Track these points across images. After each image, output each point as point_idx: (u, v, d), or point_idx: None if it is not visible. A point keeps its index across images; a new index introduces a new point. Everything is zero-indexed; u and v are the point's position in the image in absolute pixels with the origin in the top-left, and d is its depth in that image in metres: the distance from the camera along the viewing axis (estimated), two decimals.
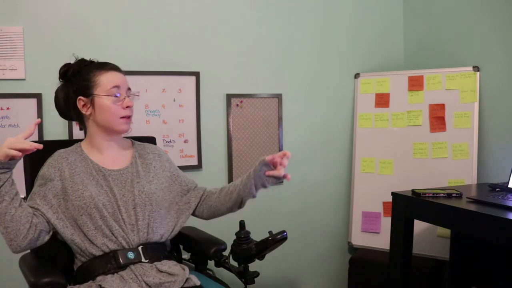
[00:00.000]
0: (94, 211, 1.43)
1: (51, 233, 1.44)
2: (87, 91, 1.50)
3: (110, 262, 1.42)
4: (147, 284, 1.38)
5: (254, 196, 1.55)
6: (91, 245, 1.43)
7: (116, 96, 1.50)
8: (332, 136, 2.72)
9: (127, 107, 1.51)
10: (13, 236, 1.34)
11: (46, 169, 1.49)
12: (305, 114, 2.64)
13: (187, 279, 1.45)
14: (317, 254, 2.73)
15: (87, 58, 1.59)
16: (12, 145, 1.25)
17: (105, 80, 1.50)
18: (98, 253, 1.43)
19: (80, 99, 1.51)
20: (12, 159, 1.28)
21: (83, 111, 1.52)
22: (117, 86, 1.50)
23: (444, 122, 2.45)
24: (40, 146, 1.28)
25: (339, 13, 2.69)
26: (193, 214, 1.67)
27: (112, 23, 2.19)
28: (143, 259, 1.44)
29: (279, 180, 1.53)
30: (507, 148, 2.25)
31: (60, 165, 1.49)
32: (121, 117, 1.50)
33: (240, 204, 1.60)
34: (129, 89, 1.55)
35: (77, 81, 1.53)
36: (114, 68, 1.55)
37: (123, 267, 1.42)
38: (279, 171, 1.50)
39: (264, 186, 1.53)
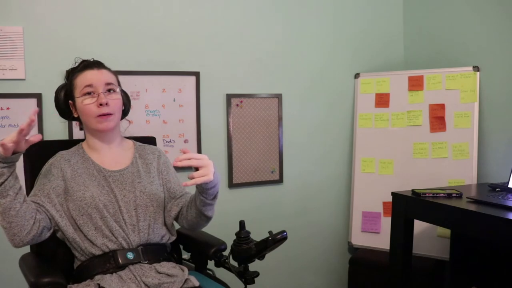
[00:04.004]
0: (95, 212, 1.43)
1: (52, 230, 1.44)
2: (71, 94, 1.52)
3: (109, 261, 1.42)
4: (146, 285, 1.38)
5: (205, 203, 1.44)
6: (91, 245, 1.43)
7: (89, 95, 1.47)
8: (332, 136, 2.72)
9: (100, 104, 1.46)
10: (17, 231, 1.33)
11: (49, 168, 1.49)
12: (305, 114, 2.64)
13: (186, 280, 1.45)
14: (317, 254, 2.73)
15: (87, 58, 1.60)
16: (6, 139, 1.23)
17: (79, 81, 1.49)
18: (98, 252, 1.43)
19: (70, 103, 1.54)
20: (15, 153, 1.26)
21: (74, 114, 1.55)
22: (89, 85, 1.47)
23: (444, 122, 2.45)
24: (27, 125, 1.22)
25: (339, 14, 2.69)
26: (178, 222, 1.61)
27: (112, 23, 2.18)
28: (142, 260, 1.44)
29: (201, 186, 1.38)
30: (507, 148, 2.25)
31: (63, 166, 1.49)
32: (97, 116, 1.47)
33: (202, 210, 1.47)
34: (108, 84, 1.49)
35: (67, 85, 1.56)
36: (89, 66, 1.52)
37: (122, 267, 1.42)
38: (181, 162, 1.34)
39: (201, 191, 1.42)
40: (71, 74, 1.55)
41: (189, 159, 1.33)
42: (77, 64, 1.57)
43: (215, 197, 1.46)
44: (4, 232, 1.36)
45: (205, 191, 1.42)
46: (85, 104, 1.47)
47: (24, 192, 1.35)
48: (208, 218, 1.53)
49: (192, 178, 1.34)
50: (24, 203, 1.33)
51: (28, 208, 1.34)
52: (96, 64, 1.53)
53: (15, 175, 1.31)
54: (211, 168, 1.36)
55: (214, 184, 1.41)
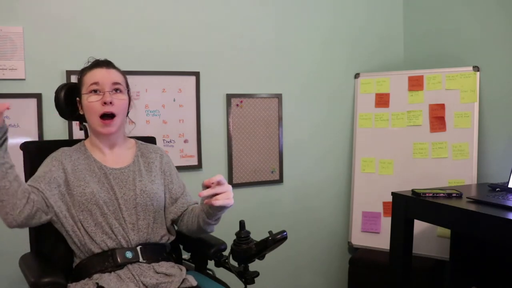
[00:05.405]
0: (95, 208, 1.43)
1: (49, 216, 1.42)
2: (79, 91, 1.53)
3: (108, 260, 1.42)
4: (144, 285, 1.38)
5: (209, 224, 1.47)
6: (91, 241, 1.43)
7: (95, 92, 1.47)
8: (332, 136, 2.72)
9: (104, 103, 1.46)
10: (9, 210, 1.31)
11: (50, 160, 1.49)
12: (305, 114, 2.64)
13: (183, 280, 1.45)
14: (317, 254, 2.73)
15: (87, 58, 1.60)
16: None
17: (87, 78, 1.50)
18: (97, 250, 1.43)
19: (77, 100, 1.55)
20: None
21: (80, 111, 1.55)
22: (95, 83, 1.48)
23: (444, 122, 2.45)
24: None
25: (339, 13, 2.69)
26: (177, 226, 1.63)
27: (112, 23, 2.19)
28: (141, 259, 1.45)
29: (216, 208, 1.37)
30: (507, 148, 2.25)
31: (63, 160, 1.49)
32: (100, 117, 1.47)
33: (204, 228, 1.50)
34: (115, 83, 1.50)
35: (77, 83, 1.57)
36: (98, 64, 1.53)
37: (120, 266, 1.42)
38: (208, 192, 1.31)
39: (209, 214, 1.43)
40: (81, 72, 1.56)
41: (214, 190, 1.31)
42: (89, 63, 1.57)
43: (218, 219, 1.48)
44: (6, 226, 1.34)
45: (214, 214, 1.43)
46: (90, 101, 1.48)
47: (16, 171, 1.32)
48: (209, 233, 1.57)
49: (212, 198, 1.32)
50: (14, 181, 1.30)
51: (20, 187, 1.32)
52: (106, 63, 1.54)
53: (1, 153, 1.26)
54: (231, 193, 1.34)
55: (226, 208, 1.40)
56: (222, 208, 1.36)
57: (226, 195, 1.32)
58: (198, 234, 1.58)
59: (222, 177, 1.32)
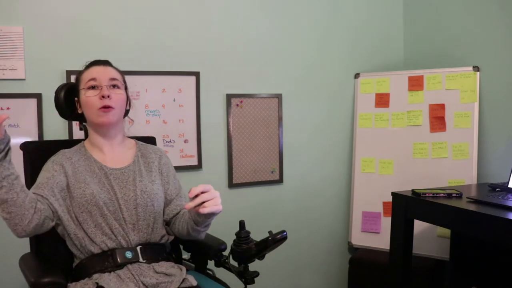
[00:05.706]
0: (95, 209, 1.43)
1: (55, 221, 1.43)
2: (77, 90, 1.54)
3: (108, 260, 1.42)
4: (144, 284, 1.38)
5: (198, 231, 1.46)
6: (91, 242, 1.43)
7: (93, 88, 1.48)
8: (332, 136, 2.72)
9: (102, 96, 1.47)
10: (18, 221, 1.31)
11: (51, 165, 1.49)
12: (305, 114, 2.64)
13: (183, 279, 1.45)
14: (317, 254, 2.73)
15: (87, 57, 1.60)
16: None
17: (85, 76, 1.52)
18: (96, 251, 1.43)
19: (76, 99, 1.56)
20: None
21: (78, 110, 1.56)
22: (93, 79, 1.49)
23: (444, 122, 2.45)
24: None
25: (339, 13, 2.69)
26: (170, 228, 1.62)
27: (111, 23, 2.19)
28: (140, 259, 1.45)
29: (204, 216, 1.35)
30: (507, 148, 2.25)
31: (64, 163, 1.49)
32: (99, 109, 1.47)
33: (193, 234, 1.49)
34: (112, 79, 1.51)
35: (74, 83, 1.58)
36: (95, 63, 1.55)
37: (120, 266, 1.42)
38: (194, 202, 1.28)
39: (198, 222, 1.42)
40: (79, 72, 1.57)
41: (201, 198, 1.29)
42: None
43: (207, 225, 1.47)
44: (6, 225, 1.34)
45: (203, 222, 1.42)
46: (87, 96, 1.48)
47: (21, 181, 1.31)
48: (198, 239, 1.54)
49: (199, 205, 1.30)
50: (21, 192, 1.29)
51: (27, 197, 1.31)
52: (103, 62, 1.56)
53: (5, 165, 1.25)
54: (219, 199, 1.32)
55: (215, 215, 1.38)
56: (211, 215, 1.34)
57: (214, 202, 1.30)
58: (188, 238, 1.55)
59: (206, 186, 1.29)
